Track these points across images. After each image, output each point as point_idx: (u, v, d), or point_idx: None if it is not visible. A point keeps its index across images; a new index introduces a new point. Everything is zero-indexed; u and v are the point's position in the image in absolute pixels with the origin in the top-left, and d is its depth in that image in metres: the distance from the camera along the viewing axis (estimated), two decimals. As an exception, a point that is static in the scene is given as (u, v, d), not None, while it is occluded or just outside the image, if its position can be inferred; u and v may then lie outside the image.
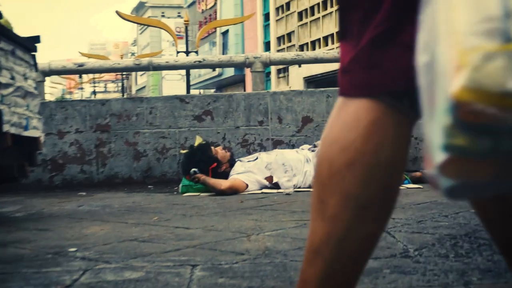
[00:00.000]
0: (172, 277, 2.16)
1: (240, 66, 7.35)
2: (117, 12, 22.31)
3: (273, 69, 37.47)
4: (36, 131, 4.14)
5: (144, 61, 7.28)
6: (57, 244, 2.97)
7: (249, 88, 6.59)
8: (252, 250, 2.58)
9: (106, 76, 78.12)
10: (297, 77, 32.87)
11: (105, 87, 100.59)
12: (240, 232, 3.09)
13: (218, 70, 46.89)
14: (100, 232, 3.30)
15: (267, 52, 7.07)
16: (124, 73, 59.56)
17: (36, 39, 4.26)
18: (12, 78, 3.80)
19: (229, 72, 45.15)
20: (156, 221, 3.68)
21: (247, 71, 7.59)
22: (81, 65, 7.20)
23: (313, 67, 30.49)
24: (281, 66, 36.24)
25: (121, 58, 63.15)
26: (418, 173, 5.57)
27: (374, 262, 2.26)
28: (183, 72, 31.16)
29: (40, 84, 7.06)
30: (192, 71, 46.70)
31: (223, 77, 46.62)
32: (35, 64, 4.28)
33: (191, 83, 37.31)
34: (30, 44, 4.18)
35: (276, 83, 36.79)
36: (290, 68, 33.89)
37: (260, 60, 6.98)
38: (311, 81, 30.18)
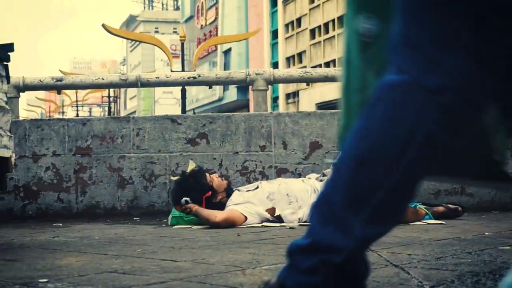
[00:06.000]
0: (153, 308, 2.18)
1: (240, 84, 7.40)
2: (103, 26, 22.46)
3: (281, 93, 37.61)
4: (6, 151, 4.17)
5: (132, 76, 7.34)
6: (26, 275, 2.99)
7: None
8: (247, 284, 2.60)
9: (91, 99, 78.40)
10: (308, 103, 32.95)
11: (90, 111, 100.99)
12: (235, 265, 3.11)
13: (218, 94, 47.05)
14: (75, 264, 3.32)
15: (271, 68, 7.11)
16: (111, 95, 59.80)
17: (9, 47, 4.31)
18: (-19, 89, 3.84)
19: (231, 96, 45.29)
20: (140, 253, 3.70)
21: (252, 96, 7.70)
22: (59, 79, 7.25)
23: (327, 92, 30.58)
24: (290, 90, 36.40)
25: (109, 78, 63.25)
26: (440, 208, 5.57)
27: (384, 298, 2.28)
28: (179, 96, 31.31)
29: (13, 100, 7.13)
30: (188, 95, 46.78)
31: (224, 102, 46.75)
32: (7, 76, 4.33)
33: (188, 108, 37.37)
34: (2, 52, 4.22)
35: (285, 109, 36.87)
36: (301, 92, 34.00)
37: (263, 77, 7.03)
38: (324, 108, 30.27)
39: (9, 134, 4.24)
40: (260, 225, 5.32)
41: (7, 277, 2.94)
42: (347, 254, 1.90)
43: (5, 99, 4.24)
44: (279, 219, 5.41)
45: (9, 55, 4.30)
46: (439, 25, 1.82)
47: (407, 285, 2.51)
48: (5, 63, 4.29)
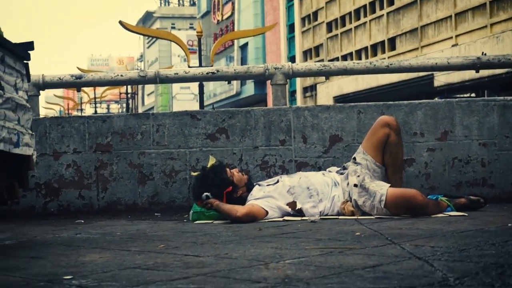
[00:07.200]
0: (178, 303, 2.19)
1: (259, 78, 7.40)
2: (120, 23, 22.49)
3: (299, 87, 37.64)
4: (28, 149, 4.19)
5: (150, 72, 7.36)
6: (51, 271, 3.01)
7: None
8: (270, 278, 2.60)
9: (109, 95, 78.66)
10: (326, 96, 32.94)
11: (108, 108, 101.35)
12: (258, 260, 3.11)
13: (235, 89, 47.11)
14: (99, 260, 3.33)
15: (289, 63, 7.11)
16: (129, 92, 59.96)
17: (29, 45, 4.32)
18: (1, 88, 3.86)
19: (249, 91, 45.33)
20: (162, 249, 3.71)
21: (270, 90, 7.73)
22: (79, 77, 7.29)
23: (345, 85, 30.58)
24: (307, 84, 36.40)
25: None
26: (462, 200, 5.54)
27: (409, 291, 2.28)
28: (196, 91, 31.39)
29: (33, 98, 7.15)
30: (206, 90, 46.89)
31: (241, 96, 46.81)
32: (28, 74, 4.34)
33: (205, 103, 37.45)
34: (22, 51, 4.24)
35: (303, 103, 36.87)
36: (318, 86, 34.00)
37: (281, 71, 7.03)
38: (342, 101, 30.24)
39: (30, 132, 4.26)
40: (281, 219, 5.32)
41: (32, 274, 2.96)
42: None
43: (26, 97, 4.26)
44: (300, 212, 5.41)
45: (29, 54, 4.32)
46: None
47: (432, 278, 2.50)
48: (25, 61, 4.31)
